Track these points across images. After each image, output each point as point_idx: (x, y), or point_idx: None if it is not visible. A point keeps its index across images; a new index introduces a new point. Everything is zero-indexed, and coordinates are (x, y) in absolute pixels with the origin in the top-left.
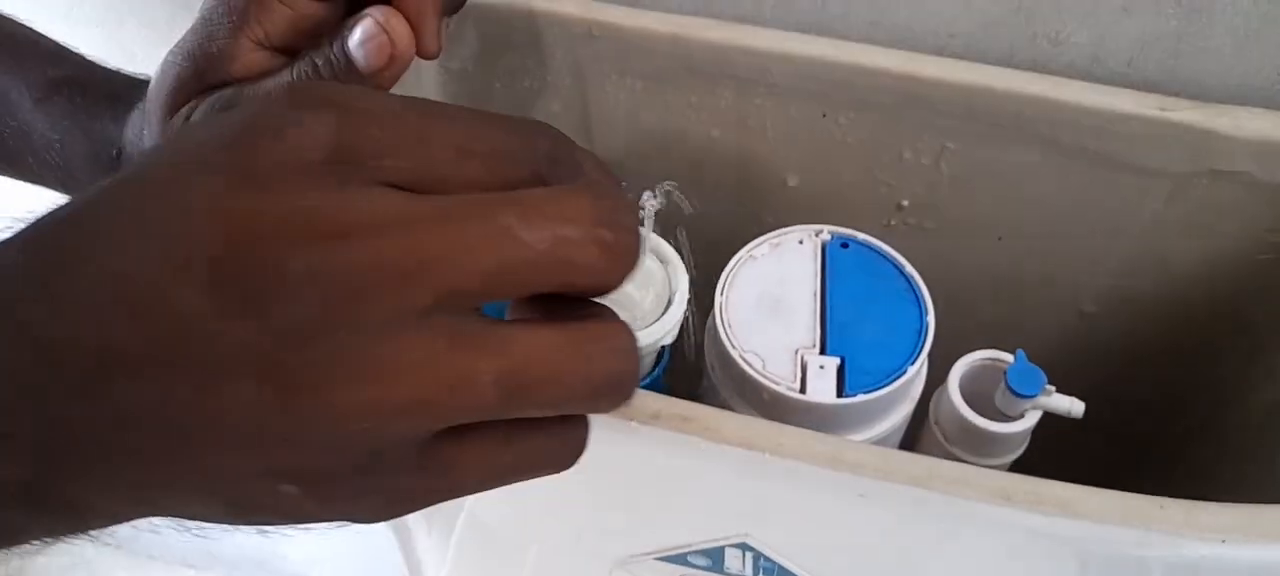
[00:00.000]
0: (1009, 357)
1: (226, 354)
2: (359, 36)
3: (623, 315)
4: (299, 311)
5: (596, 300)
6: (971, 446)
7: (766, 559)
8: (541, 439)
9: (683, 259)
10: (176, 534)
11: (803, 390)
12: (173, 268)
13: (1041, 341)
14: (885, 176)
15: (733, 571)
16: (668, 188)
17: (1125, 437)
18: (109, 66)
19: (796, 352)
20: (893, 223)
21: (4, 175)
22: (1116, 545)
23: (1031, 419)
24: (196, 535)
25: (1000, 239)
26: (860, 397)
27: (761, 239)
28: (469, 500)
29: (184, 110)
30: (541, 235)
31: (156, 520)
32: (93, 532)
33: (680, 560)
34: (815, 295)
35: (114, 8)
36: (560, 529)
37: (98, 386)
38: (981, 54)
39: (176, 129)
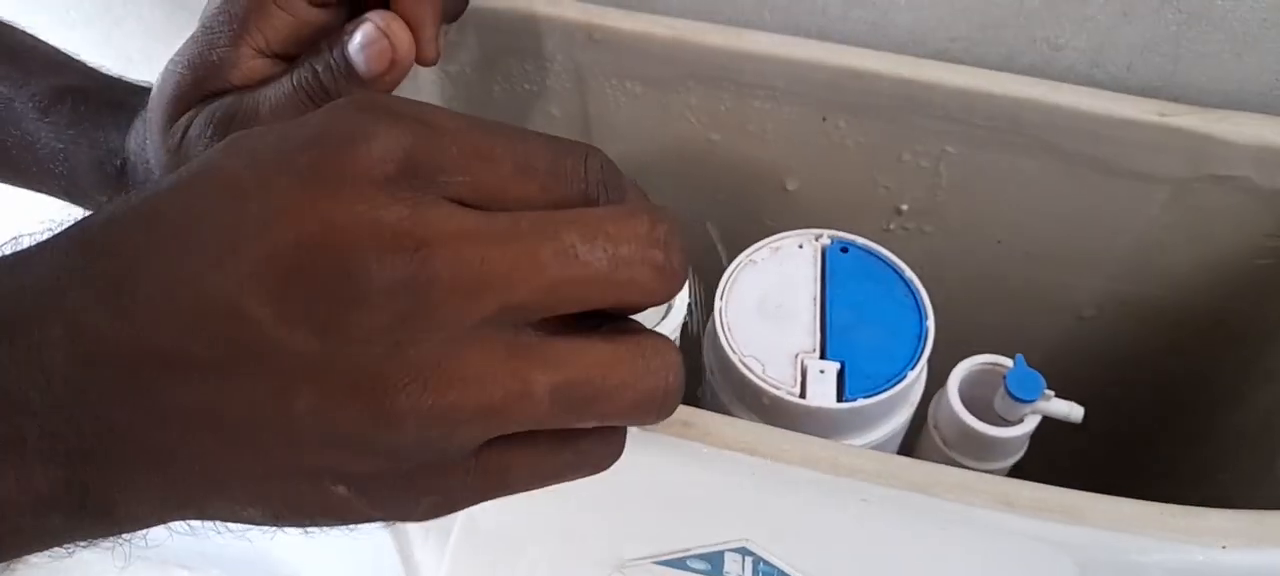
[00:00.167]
0: (1008, 362)
1: (292, 360)
2: (359, 41)
3: None
4: (366, 321)
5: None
6: (970, 451)
7: (766, 563)
8: (585, 445)
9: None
10: (169, 533)
11: (803, 395)
12: (241, 274)
13: (1039, 345)
14: (884, 180)
15: None
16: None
17: (1123, 441)
18: (111, 74)
19: (796, 357)
20: (892, 226)
21: (7, 183)
22: (1117, 551)
23: (1031, 423)
24: (197, 536)
25: (999, 243)
26: (860, 402)
27: (761, 243)
28: None
29: (184, 119)
30: (601, 255)
31: (194, 523)
32: (126, 536)
33: (679, 564)
34: (815, 299)
35: (111, 8)
36: (558, 532)
37: (158, 390)
38: (981, 58)
39: (180, 138)
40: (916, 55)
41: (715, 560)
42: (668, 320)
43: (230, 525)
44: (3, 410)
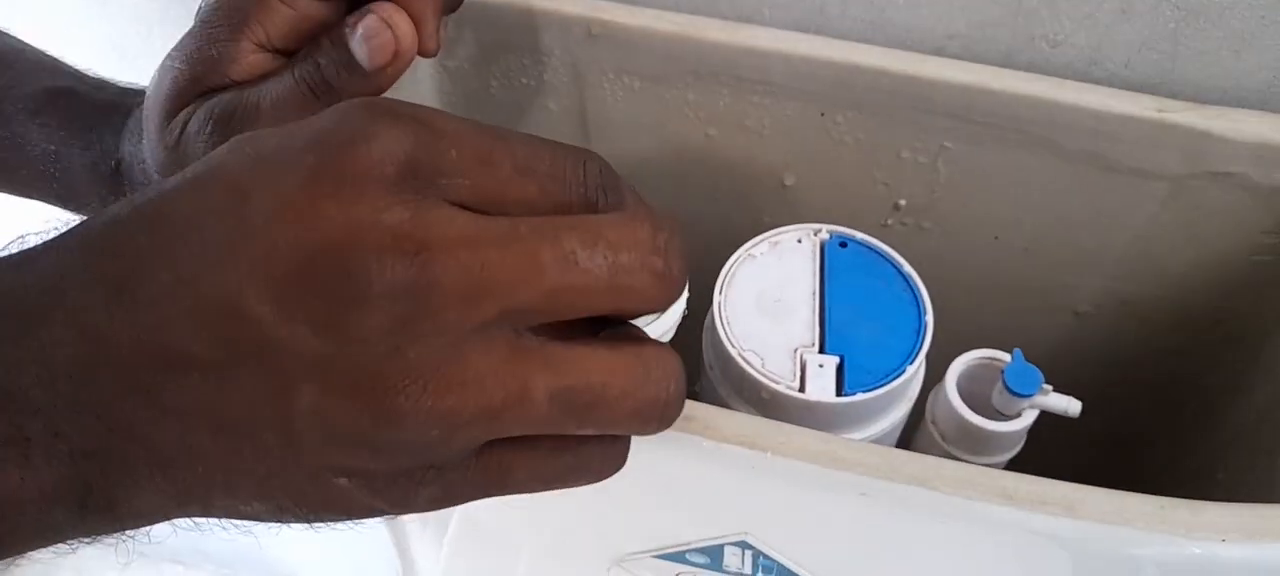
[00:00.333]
0: (1006, 357)
1: (293, 360)
2: (362, 33)
3: None
4: (367, 323)
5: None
6: (968, 445)
7: (766, 557)
8: (587, 451)
9: None
10: (172, 530)
11: (802, 389)
12: (242, 274)
13: (1036, 341)
14: (883, 176)
15: (732, 569)
16: None
17: (1119, 437)
18: (102, 77)
19: (795, 351)
20: (890, 222)
21: None
22: (1115, 544)
23: (1028, 418)
24: (191, 532)
25: (997, 239)
26: (859, 396)
27: (760, 238)
28: None
29: (182, 115)
30: (601, 262)
31: (198, 520)
32: (129, 533)
33: (679, 558)
34: (814, 294)
35: (106, 4)
36: (556, 527)
37: (161, 389)
38: (980, 55)
39: (179, 135)
40: (915, 51)
41: (715, 553)
42: (665, 317)
43: (235, 521)
44: (7, 407)
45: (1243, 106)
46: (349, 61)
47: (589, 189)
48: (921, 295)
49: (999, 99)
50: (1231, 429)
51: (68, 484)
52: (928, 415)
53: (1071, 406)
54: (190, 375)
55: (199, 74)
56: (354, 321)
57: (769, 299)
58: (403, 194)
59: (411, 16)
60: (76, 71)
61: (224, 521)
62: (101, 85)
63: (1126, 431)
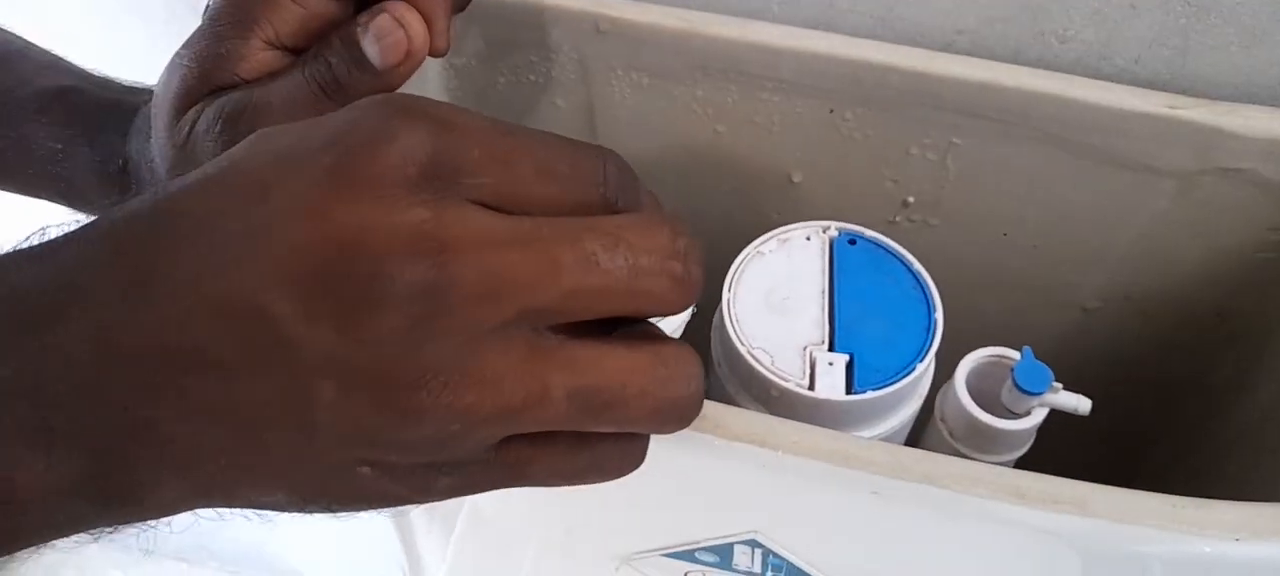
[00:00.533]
0: (1015, 354)
1: (314, 358)
2: (374, 33)
3: None
4: (387, 322)
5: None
6: (977, 443)
7: (776, 555)
8: (605, 448)
9: None
10: (171, 529)
11: (811, 387)
12: (262, 272)
13: (1043, 337)
14: (891, 173)
15: (742, 568)
16: None
17: (1124, 433)
18: (106, 75)
19: (805, 349)
20: (898, 219)
21: (3, 189)
22: (1125, 543)
23: (1038, 416)
24: (196, 531)
25: (1005, 235)
26: (869, 394)
27: (769, 235)
28: None
29: (191, 113)
30: (621, 264)
31: (222, 511)
32: (151, 522)
33: (688, 557)
34: (823, 292)
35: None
36: (564, 524)
37: (180, 385)
38: (989, 50)
39: (187, 133)
40: (924, 48)
41: (724, 552)
42: (673, 315)
43: (258, 510)
44: (31, 399)
45: (1253, 102)
46: (360, 60)
47: (608, 189)
48: (931, 292)
49: (1008, 95)
50: (1238, 425)
51: (91, 475)
52: (937, 413)
53: (1081, 404)
54: (211, 373)
55: (208, 72)
56: (374, 321)
57: (778, 296)
58: (423, 194)
59: (423, 15)
60: (81, 70)
61: (246, 511)
62: (106, 83)
63: (1132, 427)
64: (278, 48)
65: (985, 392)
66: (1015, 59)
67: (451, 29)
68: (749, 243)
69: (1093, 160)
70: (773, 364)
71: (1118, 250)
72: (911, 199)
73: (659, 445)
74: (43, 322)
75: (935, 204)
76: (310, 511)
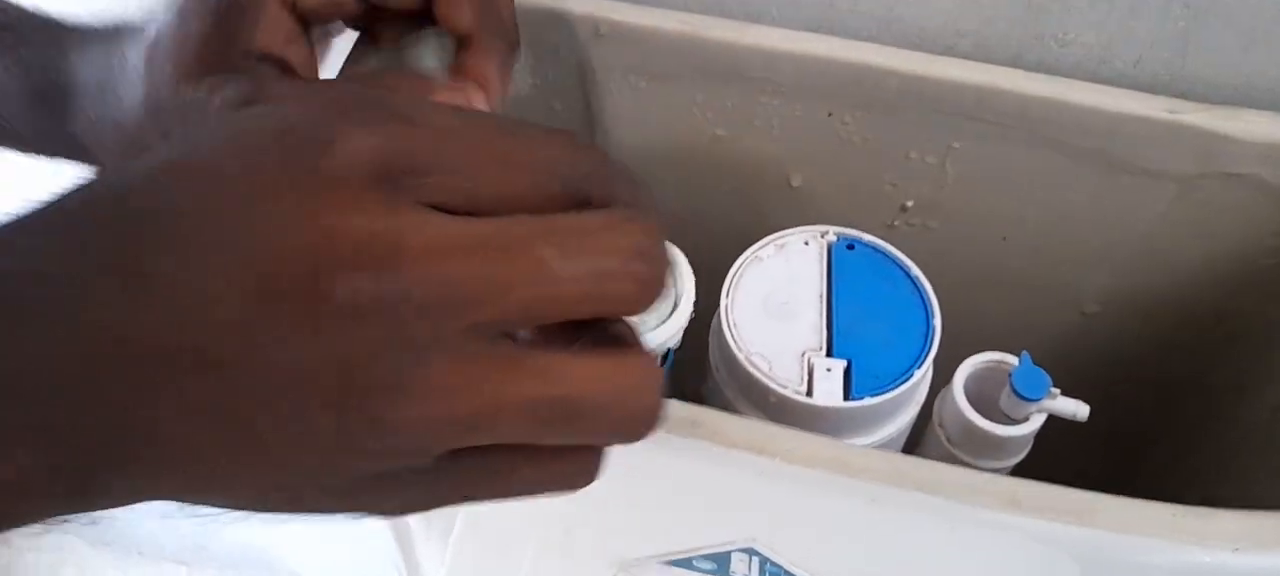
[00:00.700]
0: (1014, 360)
1: (263, 367)
2: None
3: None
4: (337, 333)
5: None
6: (975, 449)
7: (773, 563)
8: (562, 461)
9: None
10: (165, 529)
11: (809, 393)
12: (216, 275)
13: (1044, 341)
14: (891, 176)
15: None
16: None
17: (1127, 437)
18: (42, 11)
19: (803, 355)
20: (897, 223)
21: None
22: (1125, 552)
23: (1036, 421)
24: (196, 525)
25: (1004, 239)
26: (867, 401)
27: (767, 240)
28: None
29: (206, 84)
30: (579, 269)
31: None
32: (108, 509)
33: (685, 564)
34: (821, 297)
35: None
36: (561, 530)
37: (133, 387)
38: (989, 54)
39: (201, 106)
40: (923, 51)
41: (722, 560)
42: (672, 320)
43: (226, 510)
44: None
45: (1253, 106)
46: None
47: (578, 174)
48: (929, 298)
49: (1008, 99)
50: (1240, 428)
51: (66, 470)
52: (935, 418)
53: (1079, 410)
54: (158, 376)
55: (227, 30)
56: (324, 332)
57: (776, 302)
58: (376, 196)
59: (482, 75)
60: (14, 5)
61: (217, 511)
62: (46, 19)
63: (1133, 429)
64: (295, 14)
65: (984, 396)
66: (1015, 62)
67: (509, 80)
68: (748, 245)
69: (1092, 164)
70: (770, 370)
71: (1118, 254)
72: (911, 202)
73: (656, 453)
74: (5, 320)
75: (934, 207)
76: (270, 513)
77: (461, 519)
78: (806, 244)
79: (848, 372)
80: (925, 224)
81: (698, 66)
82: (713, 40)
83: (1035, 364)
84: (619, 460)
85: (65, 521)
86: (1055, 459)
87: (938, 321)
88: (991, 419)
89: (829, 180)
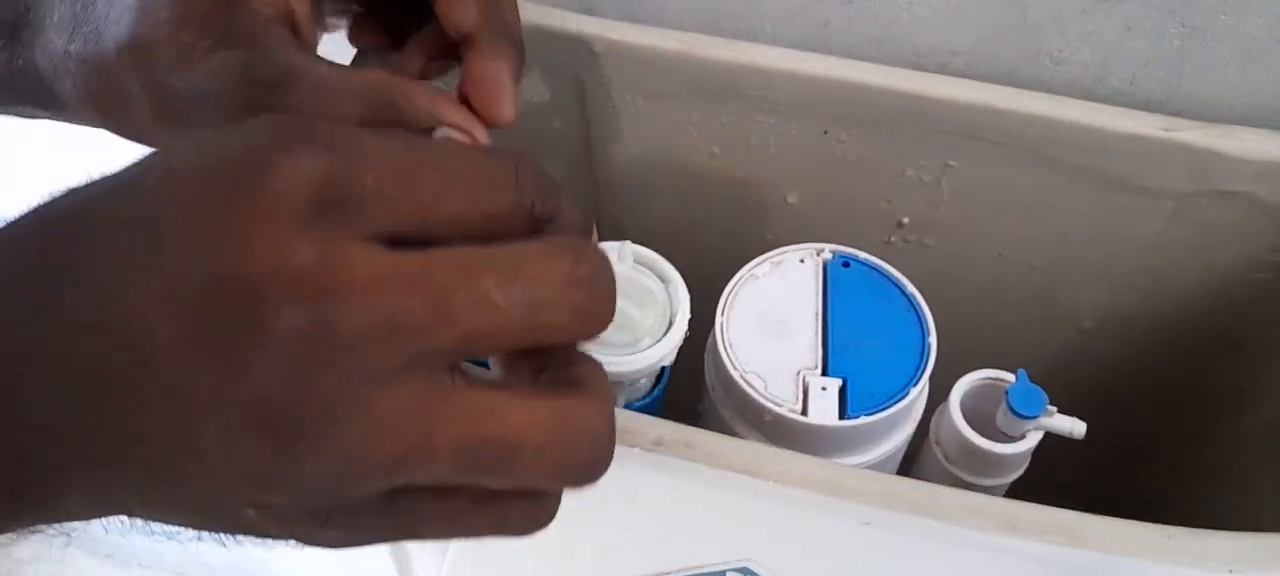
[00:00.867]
0: (1010, 377)
1: (197, 394)
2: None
3: (622, 336)
4: (269, 364)
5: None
6: (972, 466)
7: None
8: (506, 508)
9: None
10: (148, 537)
11: (804, 412)
12: (151, 301)
13: (1041, 358)
14: (886, 194)
15: None
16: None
17: (1123, 450)
18: None
19: (798, 374)
20: (893, 240)
21: None
22: (1117, 572)
23: (1033, 439)
24: (192, 544)
25: (1001, 256)
26: (862, 420)
27: (762, 258)
28: None
29: (208, 54)
30: (517, 299)
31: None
32: (65, 527)
33: None
34: (817, 315)
35: None
36: (557, 549)
37: (69, 410)
38: (984, 72)
39: (191, 58)
40: (919, 69)
41: None
42: (667, 338)
43: (162, 526)
44: None
45: (1249, 124)
46: None
47: (523, 196)
48: (925, 316)
49: (1003, 117)
50: (1236, 445)
51: (8, 482)
52: (932, 435)
53: (1076, 428)
54: (98, 399)
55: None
56: (254, 363)
57: (771, 320)
58: (312, 227)
59: (493, 93)
60: None
61: (155, 526)
62: None
63: (1131, 445)
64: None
65: (981, 413)
66: (1010, 80)
67: (518, 97)
68: (745, 263)
69: (1088, 182)
70: (765, 388)
71: (1115, 271)
72: (907, 219)
73: (650, 473)
74: None
75: (931, 224)
76: (206, 533)
77: None
78: (802, 261)
79: (843, 391)
80: (922, 241)
81: (694, 85)
82: (709, 59)
83: (1033, 381)
84: (617, 480)
85: (37, 531)
86: (1054, 476)
87: (933, 339)
88: (988, 436)
89: (825, 197)
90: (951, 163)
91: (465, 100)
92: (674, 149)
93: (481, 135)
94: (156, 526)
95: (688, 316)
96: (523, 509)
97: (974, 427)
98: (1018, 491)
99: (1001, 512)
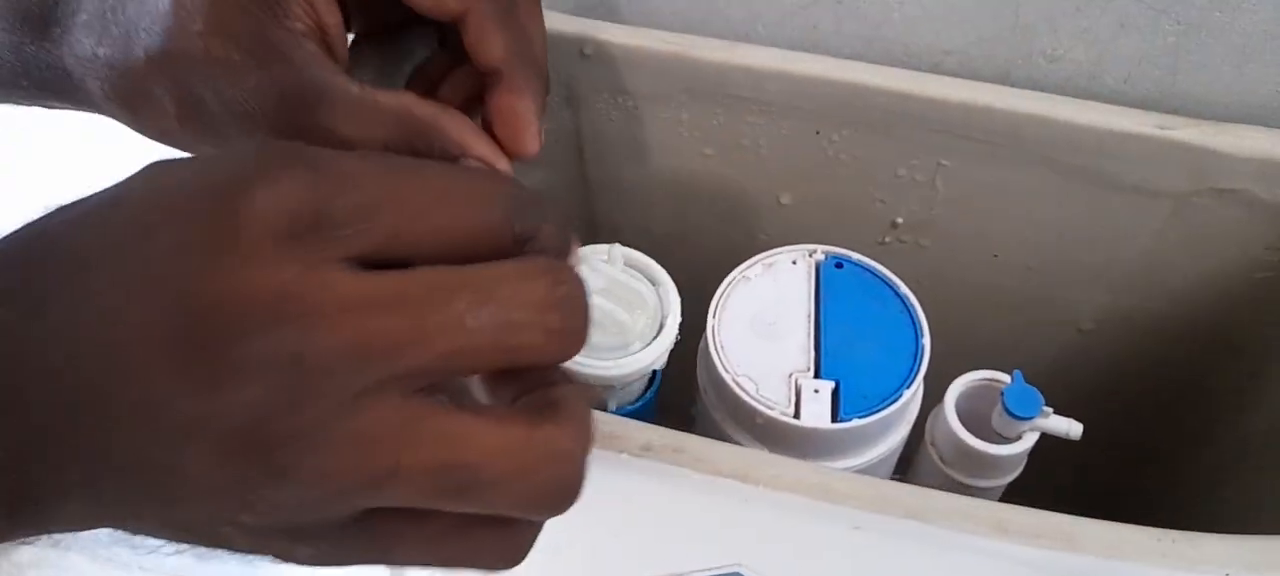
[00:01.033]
0: (1006, 378)
1: (177, 415)
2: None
3: (612, 340)
4: (247, 387)
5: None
6: (968, 468)
7: None
8: (479, 536)
9: None
10: (131, 550)
11: (797, 415)
12: (134, 324)
13: (1039, 358)
14: (880, 194)
15: None
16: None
17: (1122, 450)
18: None
19: (790, 376)
20: (887, 240)
21: None
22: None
23: (1029, 440)
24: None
25: (996, 256)
26: (855, 422)
27: (754, 260)
28: None
29: (238, 56)
30: (491, 322)
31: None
32: (59, 536)
33: None
34: (809, 317)
35: None
36: (549, 554)
37: (61, 424)
38: (977, 71)
39: (225, 71)
40: (911, 69)
41: None
42: (658, 341)
43: (148, 537)
44: None
45: (1245, 121)
46: None
47: (502, 216)
48: (918, 317)
49: (997, 116)
50: (1236, 444)
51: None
52: (927, 437)
53: (1073, 429)
54: (78, 421)
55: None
56: (235, 385)
57: (764, 322)
58: (292, 251)
59: (519, 126)
60: None
61: (142, 537)
62: None
63: (1130, 445)
64: None
65: (976, 415)
66: (1004, 79)
67: (542, 131)
68: (737, 264)
69: (1083, 181)
70: (758, 391)
71: (1113, 271)
72: (901, 220)
73: (641, 478)
74: None
75: (925, 225)
76: (188, 546)
77: None
78: (795, 263)
79: (836, 394)
80: (917, 241)
81: (685, 86)
82: (700, 60)
83: (1031, 382)
84: (607, 484)
85: (29, 542)
86: (1052, 477)
87: (927, 341)
88: (984, 438)
89: (818, 198)
90: (945, 162)
91: (489, 129)
92: (666, 151)
93: (505, 167)
94: (138, 539)
95: (679, 319)
96: (496, 538)
97: (970, 429)
98: (1015, 493)
99: (993, 516)
